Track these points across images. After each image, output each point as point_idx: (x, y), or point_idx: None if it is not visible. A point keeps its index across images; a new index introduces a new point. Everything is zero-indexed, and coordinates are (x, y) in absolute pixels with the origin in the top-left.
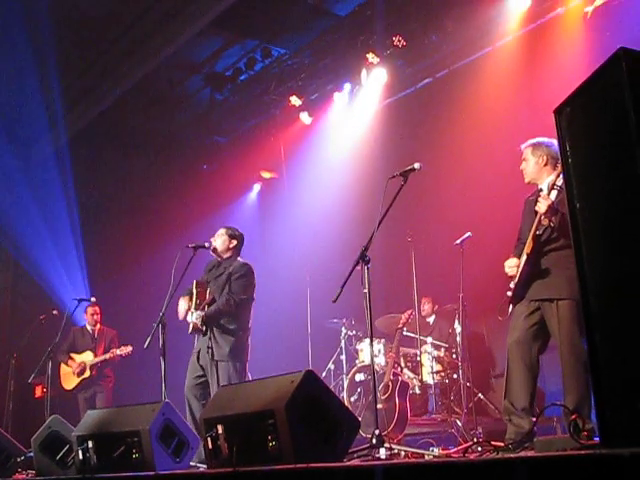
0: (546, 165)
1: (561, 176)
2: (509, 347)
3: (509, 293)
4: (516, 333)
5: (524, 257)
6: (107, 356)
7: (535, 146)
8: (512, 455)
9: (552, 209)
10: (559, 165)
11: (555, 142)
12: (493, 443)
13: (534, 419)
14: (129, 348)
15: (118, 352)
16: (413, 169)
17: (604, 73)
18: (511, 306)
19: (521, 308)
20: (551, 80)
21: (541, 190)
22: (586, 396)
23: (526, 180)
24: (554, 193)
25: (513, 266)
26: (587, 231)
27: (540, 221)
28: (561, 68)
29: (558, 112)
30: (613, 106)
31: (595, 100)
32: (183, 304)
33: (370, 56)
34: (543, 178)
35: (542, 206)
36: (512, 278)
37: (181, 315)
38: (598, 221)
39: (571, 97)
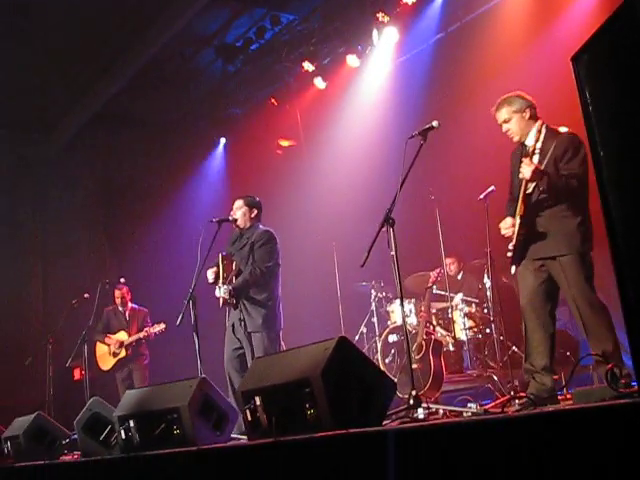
0: (530, 117)
1: (541, 139)
2: (523, 308)
3: (509, 254)
4: (527, 294)
5: (517, 219)
6: (142, 334)
7: (510, 102)
8: (551, 409)
9: (537, 173)
10: (539, 121)
11: (520, 92)
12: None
13: (552, 376)
14: (162, 325)
15: (152, 330)
16: (432, 127)
17: (620, 16)
18: (513, 267)
19: (526, 268)
20: (567, 26)
21: (525, 146)
22: (615, 342)
23: (516, 139)
24: (536, 157)
25: (509, 227)
26: (613, 178)
27: (527, 184)
28: (577, 13)
29: (575, 59)
30: (631, 49)
31: (613, 44)
32: (210, 273)
33: (380, 15)
34: (529, 131)
35: (526, 172)
36: (510, 239)
37: (210, 279)
38: (624, 167)
39: (588, 43)
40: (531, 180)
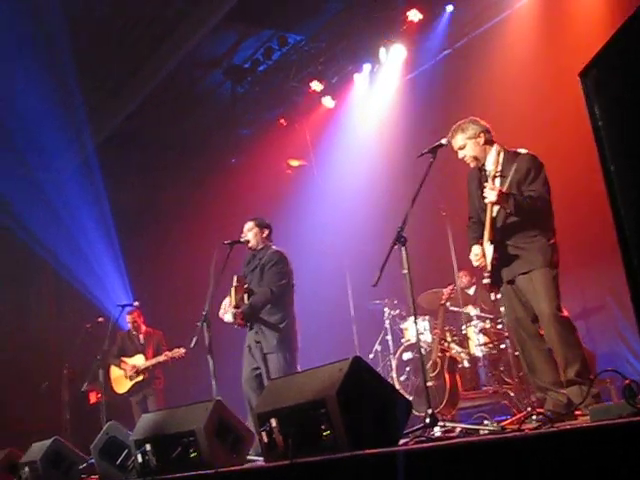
0: (486, 142)
1: (500, 162)
2: (511, 327)
3: (485, 281)
4: (513, 315)
5: (488, 244)
6: (161, 359)
7: (463, 129)
8: (568, 426)
9: (502, 196)
10: (496, 145)
11: (474, 118)
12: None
13: (564, 391)
14: (182, 350)
15: (171, 355)
16: (441, 145)
17: (630, 28)
18: (492, 295)
19: (505, 291)
20: (575, 39)
21: (484, 170)
22: (583, 358)
23: (472, 165)
24: (497, 181)
25: (479, 257)
26: (624, 192)
27: (492, 208)
28: (584, 26)
29: (584, 75)
30: None
31: (622, 58)
32: (225, 302)
33: (387, 33)
34: (486, 156)
35: (491, 196)
36: (483, 268)
37: (221, 314)
38: (635, 180)
39: (596, 57)
40: (497, 203)
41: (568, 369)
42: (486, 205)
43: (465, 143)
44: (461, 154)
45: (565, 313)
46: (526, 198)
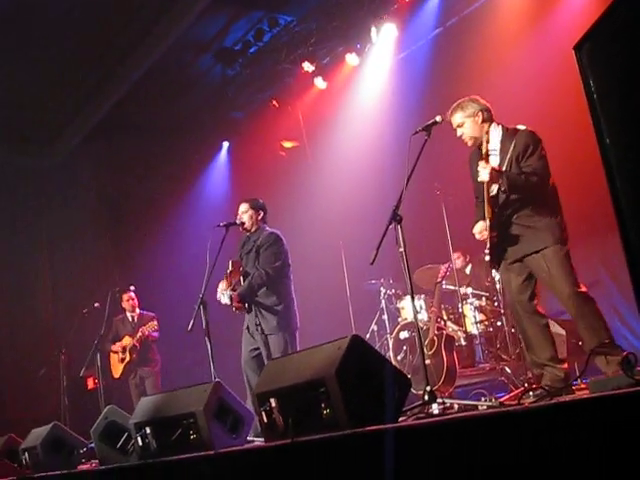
0: (484, 121)
1: (498, 140)
2: (512, 306)
3: (486, 258)
4: (513, 293)
5: (488, 222)
6: (137, 336)
7: (462, 107)
8: (567, 399)
9: (495, 174)
10: (495, 123)
11: (474, 97)
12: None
13: (561, 367)
14: (154, 323)
15: (146, 329)
16: (435, 122)
17: (623, 1)
18: (494, 270)
19: (508, 269)
20: (568, 15)
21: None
22: (607, 330)
23: (470, 143)
24: (495, 158)
25: (482, 231)
26: (620, 165)
27: (489, 187)
28: (577, 1)
29: (578, 48)
30: (636, 34)
31: (616, 31)
32: (221, 286)
33: (378, 12)
34: (484, 134)
35: (484, 175)
36: (485, 242)
37: (218, 296)
38: (631, 153)
39: (590, 30)
40: (490, 182)
41: (592, 341)
42: (483, 184)
43: (463, 121)
44: (459, 132)
45: (583, 288)
46: (520, 174)
